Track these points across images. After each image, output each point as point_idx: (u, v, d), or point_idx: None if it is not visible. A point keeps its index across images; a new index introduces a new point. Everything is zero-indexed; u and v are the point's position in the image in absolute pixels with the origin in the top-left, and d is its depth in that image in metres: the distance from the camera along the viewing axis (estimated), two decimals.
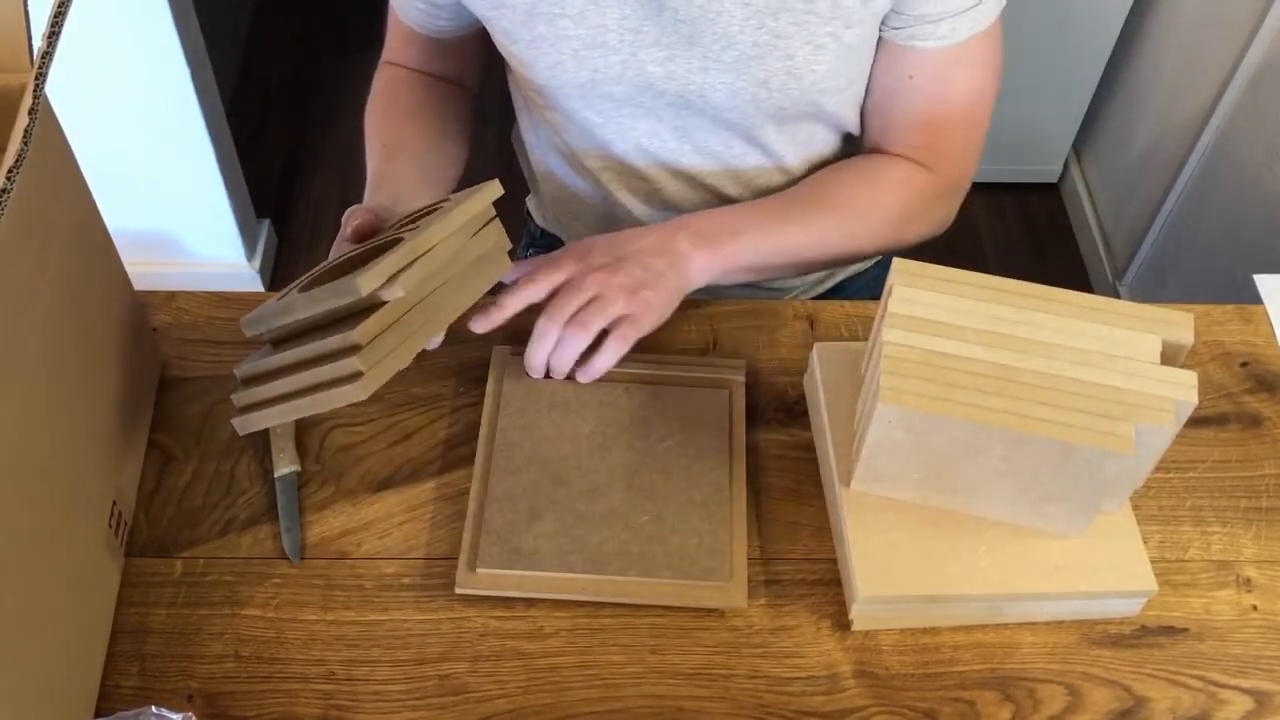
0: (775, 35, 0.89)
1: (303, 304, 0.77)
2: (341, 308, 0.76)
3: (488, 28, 0.97)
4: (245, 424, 0.81)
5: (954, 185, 1.01)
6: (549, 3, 0.90)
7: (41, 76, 0.63)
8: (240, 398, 0.81)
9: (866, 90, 0.99)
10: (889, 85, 0.97)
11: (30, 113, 0.62)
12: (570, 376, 0.89)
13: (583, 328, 0.86)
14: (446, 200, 0.85)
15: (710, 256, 0.91)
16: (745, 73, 0.92)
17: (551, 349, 0.87)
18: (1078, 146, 2.23)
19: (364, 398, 0.74)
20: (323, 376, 0.75)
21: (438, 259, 0.77)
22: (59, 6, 0.65)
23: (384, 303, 0.74)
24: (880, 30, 0.92)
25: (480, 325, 0.87)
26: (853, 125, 1.03)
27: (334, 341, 0.74)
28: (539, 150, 1.12)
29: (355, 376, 0.73)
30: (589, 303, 0.86)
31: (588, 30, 0.91)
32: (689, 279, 0.91)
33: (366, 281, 0.72)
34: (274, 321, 0.80)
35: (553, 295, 0.87)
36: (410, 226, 0.81)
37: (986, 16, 0.90)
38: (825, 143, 1.03)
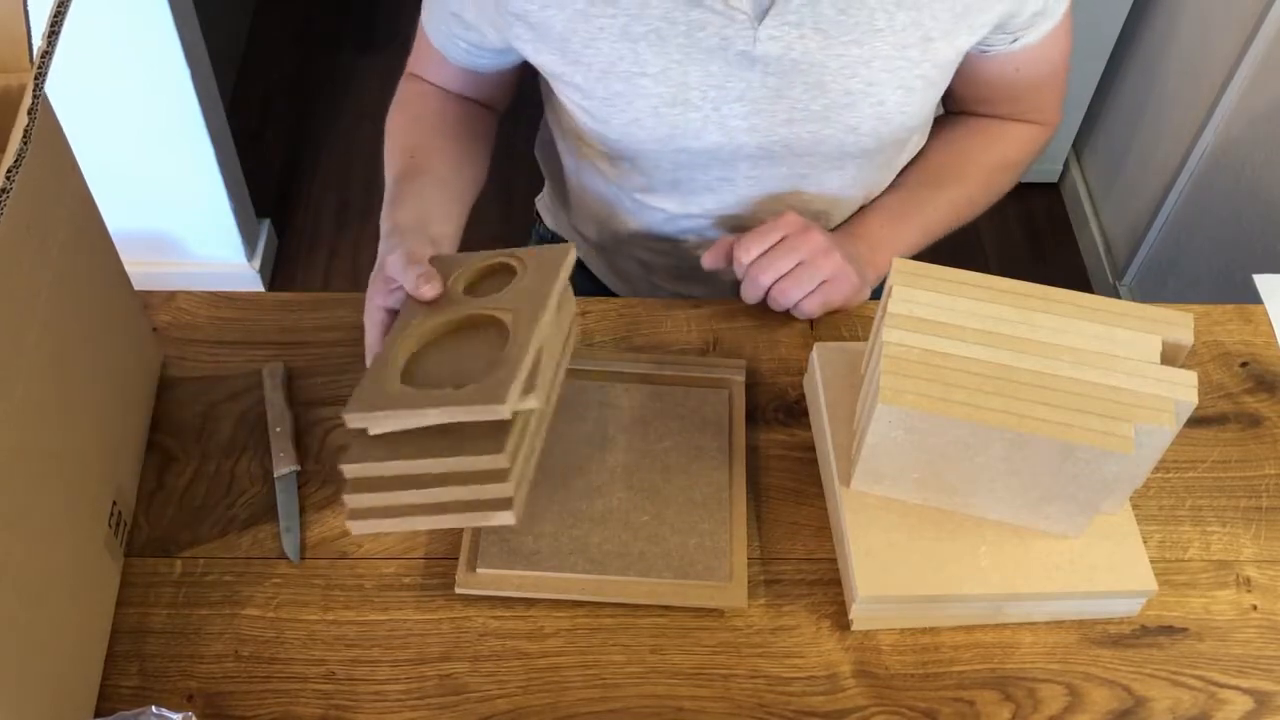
0: (868, 83, 0.90)
1: (433, 414, 0.72)
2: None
3: (552, 81, 0.96)
4: (363, 527, 0.74)
5: (1056, 125, 1.08)
6: (628, 61, 0.89)
7: (41, 76, 0.63)
8: (358, 500, 0.73)
9: (962, 82, 1.01)
10: (992, 80, 1.01)
11: (30, 112, 0.62)
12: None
13: (795, 284, 0.93)
14: (512, 256, 0.83)
15: (885, 261, 0.99)
16: (835, 120, 0.93)
17: (760, 295, 0.94)
18: (1078, 146, 2.23)
19: (516, 523, 0.72)
20: (467, 496, 0.72)
21: (547, 351, 0.76)
22: (59, 6, 0.65)
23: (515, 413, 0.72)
24: (981, 48, 0.96)
25: (706, 261, 0.95)
26: (918, 147, 1.07)
27: (479, 461, 0.71)
28: (576, 174, 1.10)
29: (507, 503, 0.72)
30: (800, 265, 0.92)
31: (669, 88, 0.90)
32: (868, 279, 0.98)
33: (510, 401, 0.70)
34: (390, 422, 0.73)
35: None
36: (498, 306, 0.78)
37: None
38: (887, 175, 1.06)
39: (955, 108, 1.07)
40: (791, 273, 0.92)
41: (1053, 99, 1.05)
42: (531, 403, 0.73)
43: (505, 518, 0.72)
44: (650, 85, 0.90)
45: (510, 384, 0.70)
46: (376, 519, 0.73)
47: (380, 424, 0.72)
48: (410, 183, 0.97)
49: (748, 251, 0.92)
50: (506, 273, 0.82)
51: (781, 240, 0.92)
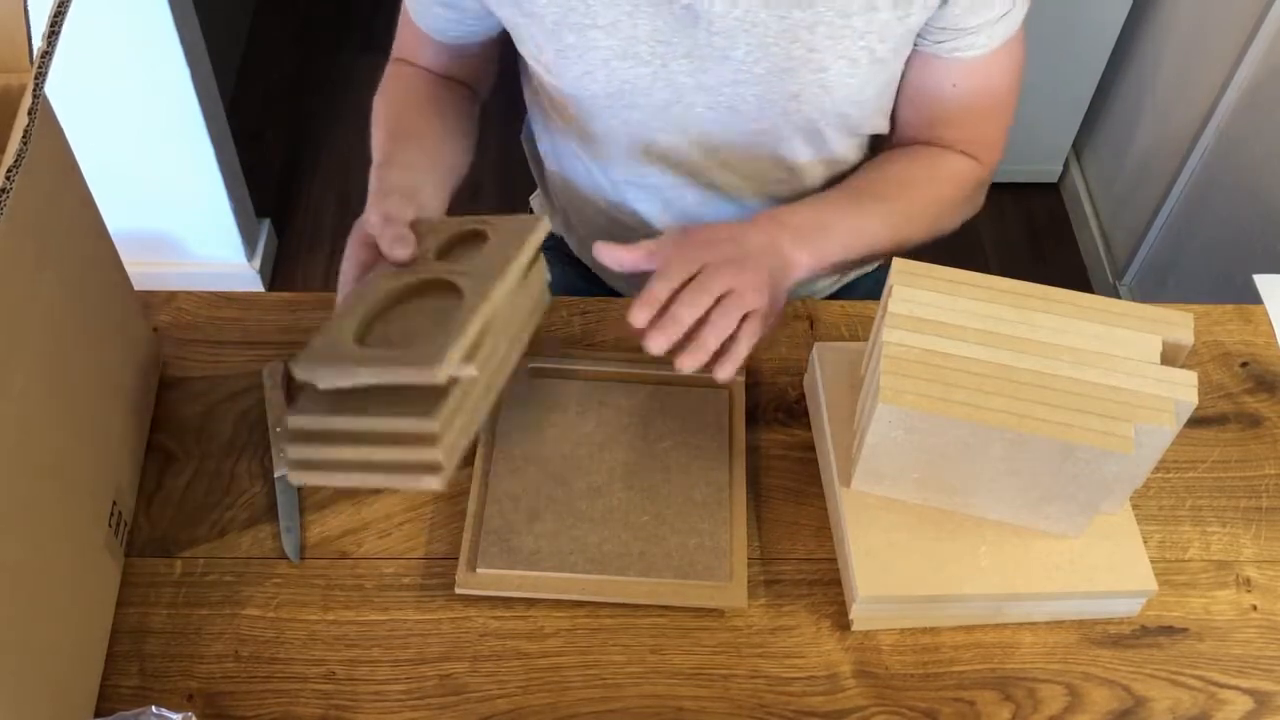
0: (810, 49, 0.89)
1: (367, 373, 0.72)
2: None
3: (514, 35, 0.96)
4: (303, 478, 0.76)
5: (993, 170, 1.04)
6: (579, 13, 0.89)
7: (41, 76, 0.63)
8: (298, 451, 0.74)
9: (904, 94, 1.00)
10: (930, 92, 0.98)
11: (30, 113, 0.62)
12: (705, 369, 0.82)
13: (725, 316, 0.81)
14: (484, 223, 0.82)
15: (810, 257, 0.90)
16: (777, 85, 0.92)
17: (680, 333, 0.81)
18: (1078, 146, 2.23)
19: (443, 489, 0.72)
20: (398, 458, 0.72)
21: (499, 322, 0.76)
22: (59, 6, 0.65)
23: (454, 379, 0.72)
24: (916, 43, 0.94)
25: (656, 343, 0.80)
26: (877, 129, 1.04)
27: (408, 424, 0.71)
28: (554, 156, 1.11)
29: (435, 468, 0.71)
30: (728, 294, 0.82)
31: (619, 41, 0.90)
32: (790, 277, 0.90)
33: (444, 366, 0.69)
34: (332, 378, 0.74)
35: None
36: (457, 271, 0.77)
37: (1017, 20, 0.93)
38: (846, 155, 1.05)
39: (899, 132, 1.04)
40: (719, 305, 0.82)
41: (991, 132, 1.02)
42: (469, 371, 0.72)
43: (432, 482, 0.72)
44: (601, 37, 0.90)
45: (447, 349, 0.70)
46: (316, 471, 0.74)
47: (322, 379, 0.73)
48: (401, 147, 0.96)
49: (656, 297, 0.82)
50: (478, 239, 0.82)
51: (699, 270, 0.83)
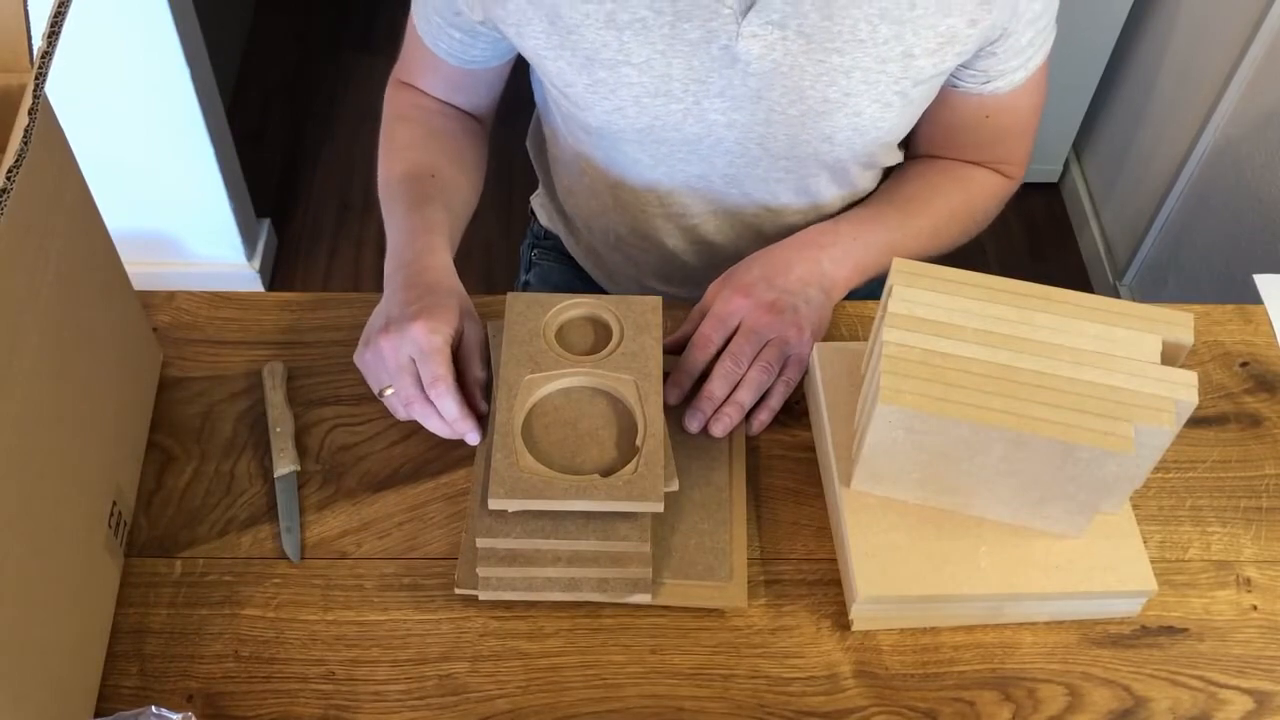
0: (846, 93, 0.90)
1: (583, 504, 0.77)
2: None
3: (539, 67, 0.95)
4: (495, 596, 0.80)
5: (1018, 181, 1.07)
6: (612, 49, 0.89)
7: (41, 76, 0.63)
8: (491, 572, 0.79)
9: (934, 123, 1.01)
10: (964, 123, 1.00)
11: (30, 113, 0.62)
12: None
13: (766, 371, 0.87)
14: (602, 309, 0.86)
15: (850, 274, 0.94)
16: (810, 127, 0.92)
17: (732, 388, 0.87)
18: (1078, 146, 2.23)
19: (653, 601, 0.80)
20: (607, 575, 0.79)
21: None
22: (59, 6, 0.65)
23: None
24: (954, 82, 0.95)
25: (695, 423, 0.87)
26: (896, 161, 1.06)
27: (620, 545, 0.77)
28: (567, 170, 1.11)
29: (646, 584, 0.79)
30: (767, 345, 0.88)
31: (652, 79, 0.90)
32: (834, 299, 0.94)
33: (663, 494, 0.77)
34: (541, 507, 0.78)
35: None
36: (609, 375, 0.82)
37: (1047, 48, 0.95)
38: (866, 187, 1.06)
39: (924, 151, 1.05)
40: (759, 358, 0.88)
41: (1020, 150, 1.04)
42: (673, 487, 0.79)
43: (643, 598, 0.79)
44: (634, 74, 0.90)
45: (663, 481, 0.77)
46: (507, 589, 0.79)
47: (530, 508, 0.78)
48: (426, 210, 0.94)
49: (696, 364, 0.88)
50: (593, 325, 0.86)
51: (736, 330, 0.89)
